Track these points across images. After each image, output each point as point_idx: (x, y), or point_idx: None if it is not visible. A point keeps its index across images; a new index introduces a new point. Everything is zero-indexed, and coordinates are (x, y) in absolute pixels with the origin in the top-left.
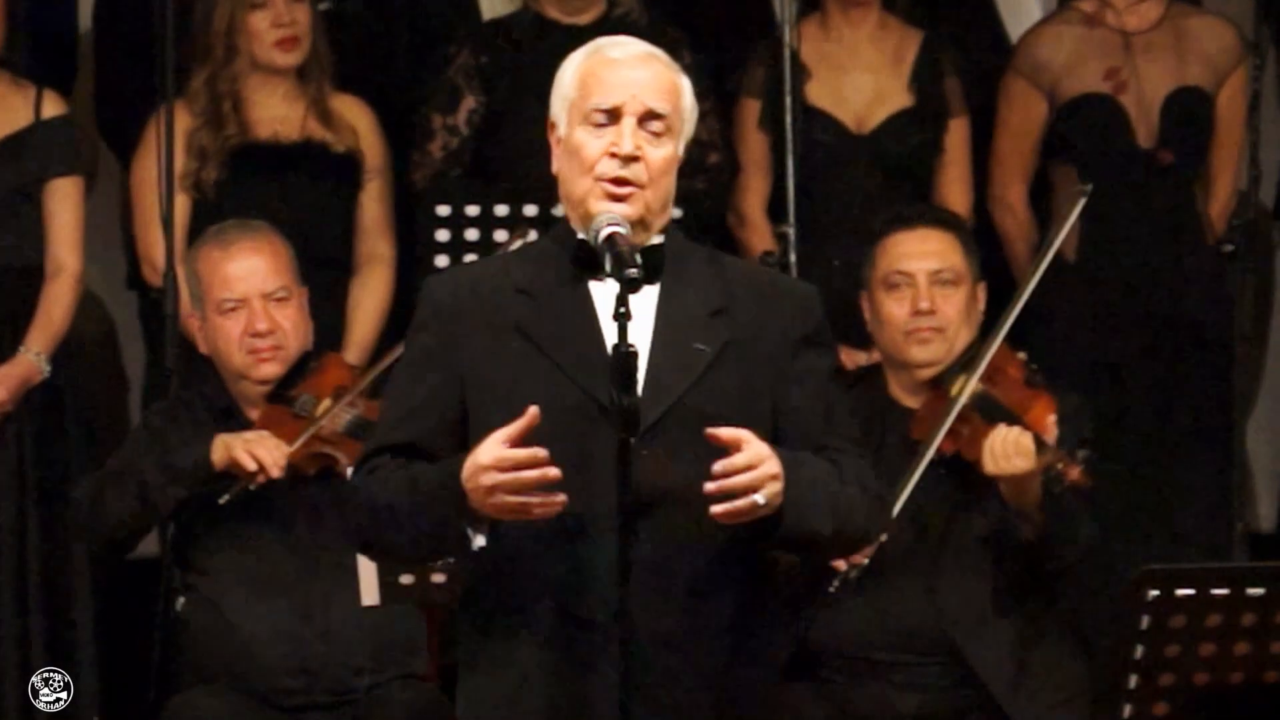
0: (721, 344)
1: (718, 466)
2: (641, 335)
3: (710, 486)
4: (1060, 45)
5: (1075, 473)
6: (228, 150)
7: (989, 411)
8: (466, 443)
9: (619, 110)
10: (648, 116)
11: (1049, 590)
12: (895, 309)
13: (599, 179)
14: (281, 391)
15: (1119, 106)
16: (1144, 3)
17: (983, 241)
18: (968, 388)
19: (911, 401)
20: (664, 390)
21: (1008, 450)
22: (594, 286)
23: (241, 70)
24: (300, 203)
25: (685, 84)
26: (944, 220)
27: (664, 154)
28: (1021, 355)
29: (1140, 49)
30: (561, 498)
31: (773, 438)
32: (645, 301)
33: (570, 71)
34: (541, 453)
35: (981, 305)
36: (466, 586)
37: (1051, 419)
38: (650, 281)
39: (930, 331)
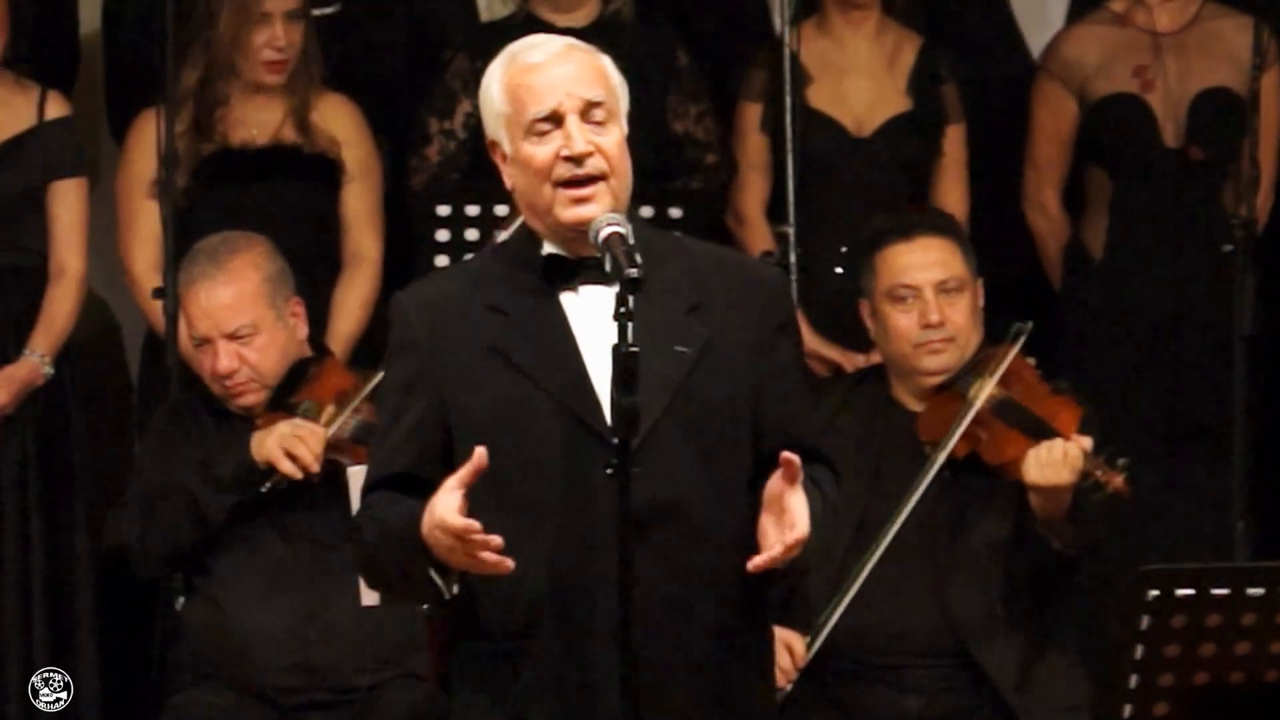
0: (701, 343)
1: (779, 548)
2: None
3: (760, 562)
4: (1090, 45)
5: (1118, 481)
6: (200, 157)
7: (1013, 416)
8: (453, 467)
9: (558, 113)
10: (587, 108)
11: (1057, 592)
12: (903, 321)
13: (557, 184)
14: (282, 399)
15: (1145, 105)
16: (1175, 2)
17: (1007, 242)
18: (984, 391)
19: (915, 405)
20: (651, 398)
21: (1055, 461)
22: (565, 299)
23: (232, 81)
24: (272, 207)
25: (606, 61)
26: (941, 226)
27: (614, 138)
28: (1031, 361)
29: (1170, 49)
30: (509, 564)
31: (753, 430)
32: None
33: (495, 87)
34: (476, 528)
35: (981, 302)
36: (460, 607)
37: (1078, 425)
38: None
39: (942, 342)
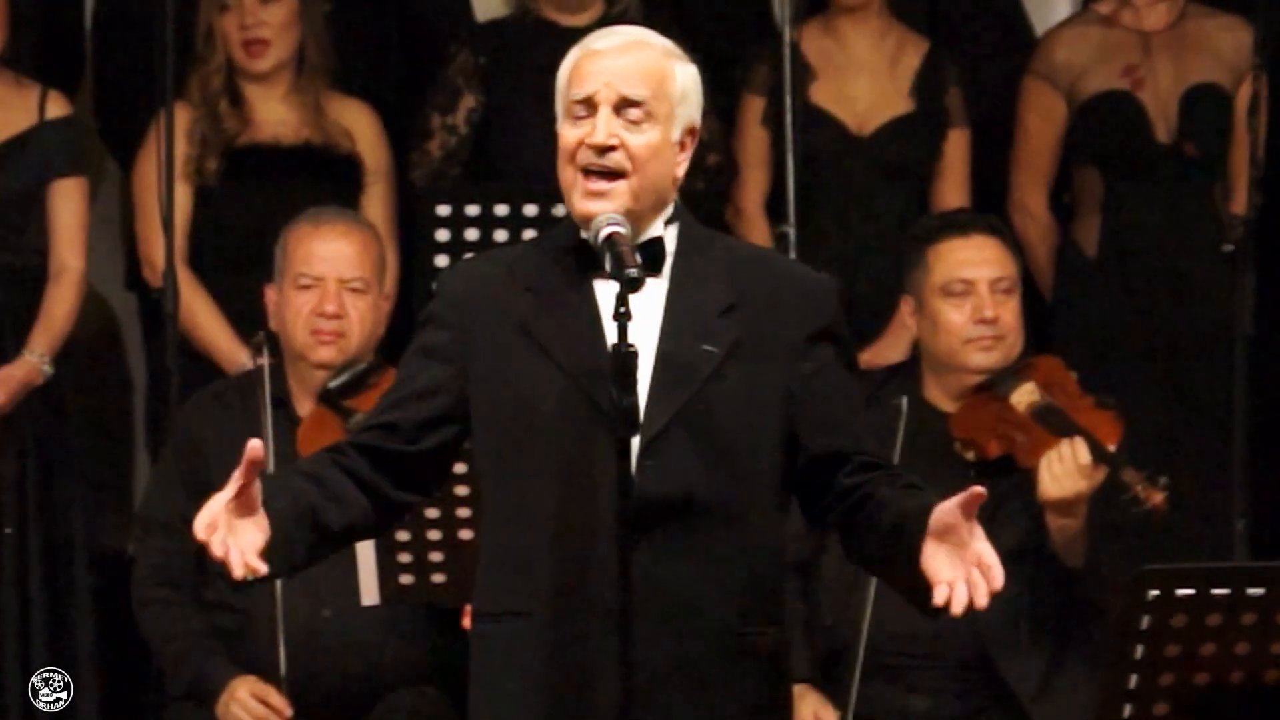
0: (730, 343)
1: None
2: (648, 335)
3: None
4: (1077, 46)
5: (1158, 498)
6: (230, 143)
7: (1054, 423)
8: (472, 437)
9: (593, 100)
10: (624, 104)
11: (1064, 605)
12: (955, 316)
13: (578, 169)
14: (336, 399)
15: (1137, 103)
16: (1162, 2)
17: None
18: (1026, 394)
19: (949, 405)
20: (671, 395)
21: (1068, 469)
22: (598, 286)
23: (231, 71)
24: (300, 206)
25: (678, 68)
26: (994, 227)
27: (647, 140)
28: (1074, 374)
29: (1158, 47)
30: (258, 568)
31: (785, 438)
32: (653, 298)
33: (565, 64)
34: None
35: None
36: (475, 596)
37: (1118, 441)
38: (654, 274)
39: (992, 340)
